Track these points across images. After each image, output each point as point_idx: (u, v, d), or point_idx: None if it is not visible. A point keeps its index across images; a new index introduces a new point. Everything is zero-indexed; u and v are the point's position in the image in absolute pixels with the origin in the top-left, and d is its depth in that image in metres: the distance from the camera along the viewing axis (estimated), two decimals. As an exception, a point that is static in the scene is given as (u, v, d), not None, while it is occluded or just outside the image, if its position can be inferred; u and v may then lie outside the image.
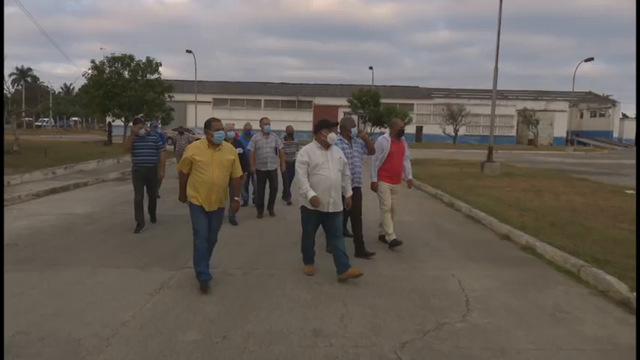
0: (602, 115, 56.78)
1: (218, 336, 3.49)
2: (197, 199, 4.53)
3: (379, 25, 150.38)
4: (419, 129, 51.44)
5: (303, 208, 4.95)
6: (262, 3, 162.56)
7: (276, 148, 8.40)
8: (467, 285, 4.75)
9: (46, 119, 64.08)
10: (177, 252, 5.78)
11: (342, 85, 55.81)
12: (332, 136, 4.85)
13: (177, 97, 33.54)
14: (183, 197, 4.71)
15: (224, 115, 40.06)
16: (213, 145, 4.55)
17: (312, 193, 4.70)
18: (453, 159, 23.44)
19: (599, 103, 57.13)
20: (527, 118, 47.51)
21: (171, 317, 3.82)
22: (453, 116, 44.05)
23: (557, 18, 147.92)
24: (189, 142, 13.03)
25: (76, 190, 11.18)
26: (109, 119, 29.21)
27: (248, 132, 9.22)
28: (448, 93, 54.82)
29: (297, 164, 4.87)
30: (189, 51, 38.18)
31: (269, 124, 8.33)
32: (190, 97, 43.27)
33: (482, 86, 56.72)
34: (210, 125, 4.55)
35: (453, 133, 45.30)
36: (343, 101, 45.80)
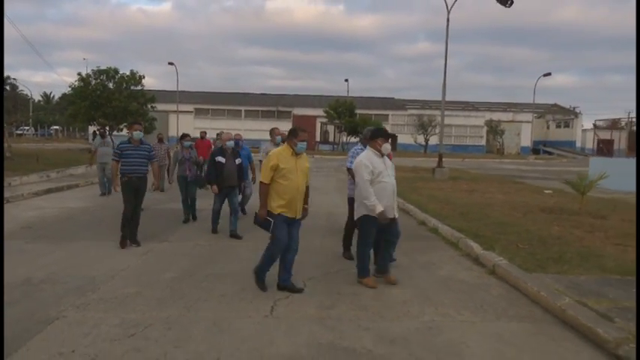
0: (566, 126, 59.95)
1: (187, 275, 5.18)
2: (281, 207, 4.53)
3: (361, 36, 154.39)
4: (394, 138, 53.72)
5: (366, 218, 4.82)
6: (245, 13, 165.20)
7: None
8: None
9: (26, 127, 64.49)
10: (159, 232, 7.45)
11: (320, 95, 57.82)
12: (387, 147, 4.92)
13: (159, 106, 34.98)
14: (265, 210, 4.53)
15: (205, 124, 41.59)
16: (295, 153, 4.63)
17: (380, 208, 4.67)
18: (416, 166, 25.39)
19: (563, 114, 60.31)
20: (493, 129, 50.23)
21: (156, 266, 5.50)
22: (424, 126, 46.38)
23: (533, 31, 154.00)
24: (168, 152, 14.54)
25: (69, 190, 12.68)
26: (93, 128, 30.50)
27: (237, 142, 9.48)
28: (422, 104, 57.26)
29: (362, 171, 4.74)
30: (171, 63, 39.70)
31: (280, 135, 8.22)
32: (172, 106, 44.69)
33: (459, 97, 59.43)
34: (297, 134, 4.61)
35: (423, 143, 47.60)
36: (321, 111, 47.79)
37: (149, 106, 28.01)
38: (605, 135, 55.25)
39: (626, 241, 6.82)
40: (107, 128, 16.70)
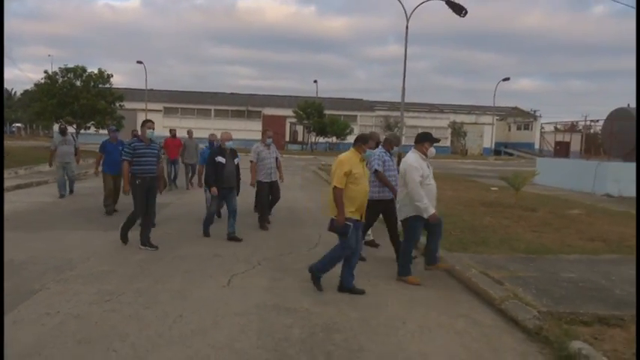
0: (526, 128, 62.63)
1: (156, 257, 5.86)
2: (352, 211, 4.64)
3: (332, 37, 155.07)
4: (362, 139, 54.89)
5: (416, 217, 5.01)
6: (216, 12, 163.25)
7: (276, 159, 8.41)
8: (323, 237, 7.25)
9: (-14, 125, 62.53)
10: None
11: (290, 96, 58.50)
12: (432, 151, 5.12)
13: (128, 105, 34.87)
14: (344, 216, 4.57)
15: (174, 123, 41.54)
16: (363, 158, 4.80)
17: (432, 210, 4.91)
18: (380, 165, 26.46)
19: (523, 117, 63.02)
20: (456, 130, 52.18)
21: (128, 251, 6.16)
22: (390, 127, 47.76)
23: (500, 36, 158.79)
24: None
25: (38, 186, 12.99)
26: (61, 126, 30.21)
27: (212, 143, 9.44)
28: (390, 106, 58.77)
29: (414, 174, 4.91)
30: (139, 62, 39.60)
31: (272, 137, 8.42)
32: (141, 105, 44.47)
33: (427, 99, 61.34)
34: (367, 141, 4.79)
35: (390, 143, 49.02)
36: (291, 112, 48.50)
37: (117, 104, 28.04)
38: (559, 137, 57.94)
39: (543, 228, 7.89)
40: (66, 126, 16.55)
